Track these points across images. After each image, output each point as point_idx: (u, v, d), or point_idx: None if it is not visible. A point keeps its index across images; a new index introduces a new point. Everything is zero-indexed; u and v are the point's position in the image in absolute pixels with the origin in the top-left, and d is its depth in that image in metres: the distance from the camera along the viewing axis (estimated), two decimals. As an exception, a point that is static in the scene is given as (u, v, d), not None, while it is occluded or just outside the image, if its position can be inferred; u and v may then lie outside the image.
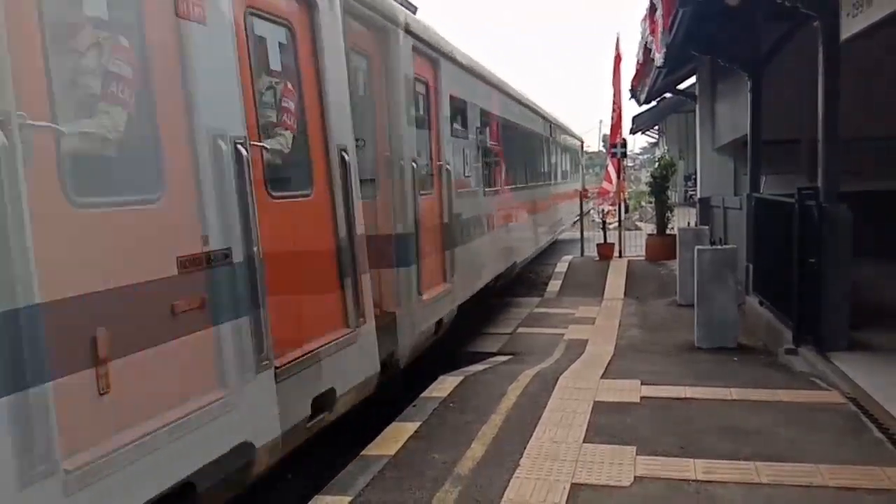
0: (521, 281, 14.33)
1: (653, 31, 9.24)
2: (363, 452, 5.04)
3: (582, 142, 30.67)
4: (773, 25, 9.35)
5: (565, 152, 22.99)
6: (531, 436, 5.28)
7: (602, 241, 16.84)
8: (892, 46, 9.32)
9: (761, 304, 9.02)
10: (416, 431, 5.43)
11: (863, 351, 6.77)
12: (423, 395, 6.41)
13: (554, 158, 19.61)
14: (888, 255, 9.94)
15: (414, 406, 6.08)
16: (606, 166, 18.34)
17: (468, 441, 5.21)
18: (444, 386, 6.64)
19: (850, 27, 6.98)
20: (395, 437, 5.29)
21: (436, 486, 4.46)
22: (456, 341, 9.31)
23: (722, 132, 13.36)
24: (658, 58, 8.90)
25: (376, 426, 5.58)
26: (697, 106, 14.48)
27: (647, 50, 10.52)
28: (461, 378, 6.93)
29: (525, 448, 5.04)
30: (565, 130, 22.97)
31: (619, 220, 17.48)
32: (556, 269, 15.21)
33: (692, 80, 15.06)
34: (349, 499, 4.31)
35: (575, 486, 4.40)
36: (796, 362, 7.04)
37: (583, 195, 20.39)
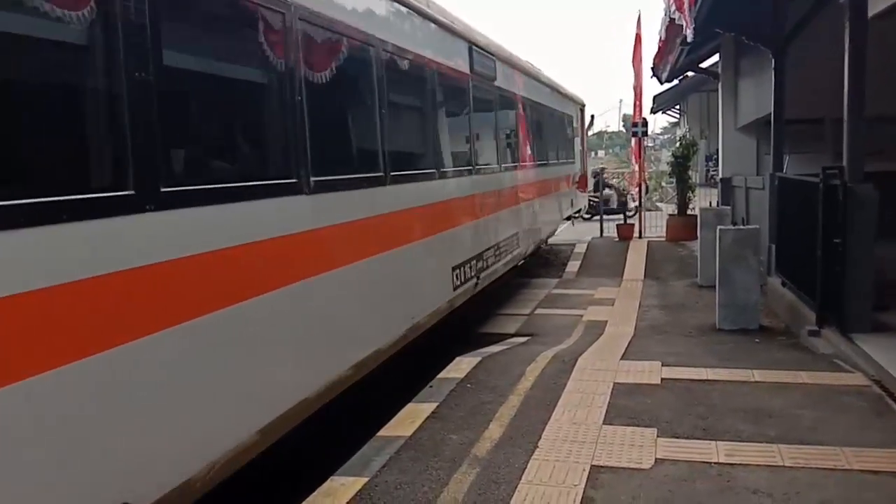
0: (539, 262, 14.26)
1: (679, 7, 9.03)
2: (379, 433, 5.03)
3: (583, 107, 20.01)
4: (799, 2, 9.13)
5: (545, 118, 13.91)
6: (550, 417, 5.25)
7: (622, 222, 16.74)
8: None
9: (784, 284, 8.89)
10: (432, 412, 5.41)
11: (887, 332, 6.64)
12: (439, 375, 6.39)
13: (510, 128, 11.11)
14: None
15: (430, 387, 6.06)
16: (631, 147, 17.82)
17: (486, 422, 5.19)
18: (461, 367, 6.62)
19: (879, 2, 6.80)
20: (411, 418, 5.28)
21: (453, 468, 4.44)
22: (472, 323, 9.28)
23: (745, 111, 13.15)
24: (689, 33, 8.70)
25: (392, 407, 5.58)
26: (720, 84, 14.25)
27: (670, 26, 10.32)
28: (478, 359, 6.90)
29: (544, 429, 5.01)
30: (540, 80, 13.69)
31: (640, 201, 17.32)
32: (576, 250, 15.12)
33: (714, 58, 14.81)
34: (365, 480, 4.30)
35: (595, 469, 4.37)
36: (819, 344, 6.93)
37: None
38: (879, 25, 7.22)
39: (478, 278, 8.57)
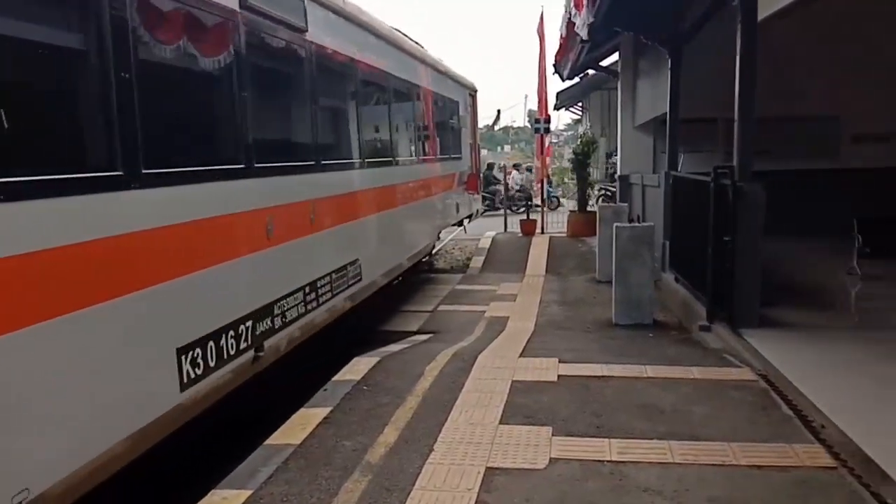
0: (443, 257, 14.23)
1: (577, 5, 9.11)
2: (267, 442, 4.77)
3: (474, 93, 16.81)
4: (695, 3, 9.37)
5: (412, 101, 10.95)
6: (447, 418, 5.14)
7: (525, 218, 16.92)
8: (803, 28, 9.55)
9: (677, 280, 9.13)
10: (325, 418, 5.19)
11: (773, 328, 6.90)
12: (335, 378, 6.17)
13: (340, 107, 8.03)
14: (796, 234, 10.25)
15: (325, 390, 5.84)
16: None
17: (381, 426, 5.03)
18: (358, 368, 6.42)
19: (768, 7, 7.03)
20: (302, 425, 5.04)
21: (344, 476, 4.25)
22: (372, 320, 9.08)
23: (642, 110, 13.47)
24: (583, 31, 8.78)
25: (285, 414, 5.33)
26: (619, 83, 14.54)
27: (570, 24, 10.41)
28: (377, 359, 6.72)
29: (440, 431, 4.89)
30: (403, 49, 10.44)
31: (542, 197, 17.55)
32: (480, 245, 15.14)
33: (615, 56, 15.11)
34: (249, 493, 4.05)
35: (489, 471, 4.28)
36: (710, 339, 7.12)
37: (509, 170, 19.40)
38: (769, 29, 7.47)
39: (258, 349, 5.28)
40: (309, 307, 6.25)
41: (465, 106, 15.68)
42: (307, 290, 6.23)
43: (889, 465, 3.94)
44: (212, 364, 4.61)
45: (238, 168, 5.24)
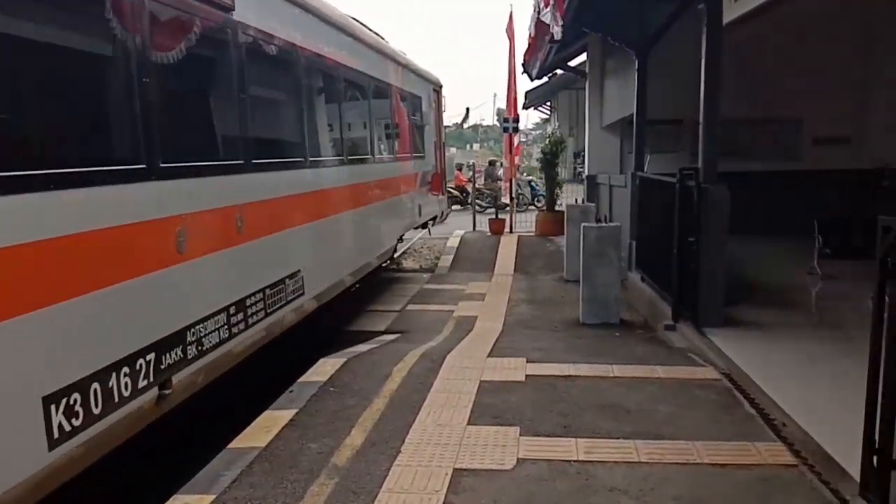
0: (411, 256, 14.19)
1: (547, 4, 9.14)
2: (231, 445, 4.70)
3: (438, 88, 15.92)
4: (662, 5, 9.47)
5: (366, 94, 10.05)
6: (415, 419, 5.11)
7: (494, 217, 16.97)
8: (768, 31, 9.71)
9: (643, 280, 9.22)
10: (291, 420, 5.13)
11: (736, 327, 7.00)
12: (301, 379, 6.11)
13: (278, 98, 7.21)
14: (759, 234, 10.42)
15: (291, 392, 5.78)
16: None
17: (348, 428, 4.99)
18: (325, 369, 6.37)
19: (733, 10, 7.12)
20: (267, 427, 4.97)
21: (310, 479, 4.21)
22: (339, 320, 9.01)
23: (610, 110, 13.57)
24: (556, 31, 8.81)
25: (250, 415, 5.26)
26: (587, 83, 14.64)
27: (538, 23, 10.45)
28: (343, 360, 6.67)
29: (408, 433, 4.87)
30: (357, 37, 9.45)
31: (511, 196, 17.59)
32: (448, 244, 15.13)
33: (583, 57, 15.19)
34: (211, 498, 3.98)
35: (457, 472, 4.27)
36: (675, 338, 7.20)
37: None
38: (735, 32, 7.57)
39: (164, 386, 4.41)
40: (235, 329, 5.36)
41: (430, 102, 14.66)
42: (228, 312, 5.28)
43: (848, 462, 4.00)
44: (96, 411, 3.71)
45: (136, 169, 4.29)
